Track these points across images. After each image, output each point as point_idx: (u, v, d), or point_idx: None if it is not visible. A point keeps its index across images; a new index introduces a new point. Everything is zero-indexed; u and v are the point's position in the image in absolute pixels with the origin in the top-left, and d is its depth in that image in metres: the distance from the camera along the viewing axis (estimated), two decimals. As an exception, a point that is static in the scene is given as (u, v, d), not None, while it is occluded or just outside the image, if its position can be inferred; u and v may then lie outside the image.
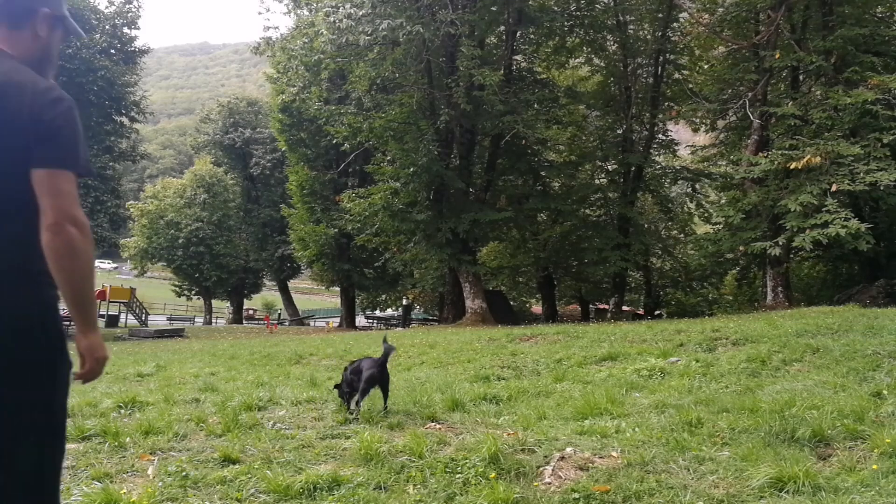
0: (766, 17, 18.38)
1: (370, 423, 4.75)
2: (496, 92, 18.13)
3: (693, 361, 7.26)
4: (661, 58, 23.27)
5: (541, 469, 3.61)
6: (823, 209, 14.76)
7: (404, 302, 37.16)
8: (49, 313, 1.87)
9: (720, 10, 20.10)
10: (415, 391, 6.20)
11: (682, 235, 27.91)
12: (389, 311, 43.34)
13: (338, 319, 37.26)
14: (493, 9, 19.56)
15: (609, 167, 25.91)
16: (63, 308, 1.92)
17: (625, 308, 26.76)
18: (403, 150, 19.66)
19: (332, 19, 17.73)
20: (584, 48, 23.66)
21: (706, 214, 24.82)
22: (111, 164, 24.17)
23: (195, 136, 45.60)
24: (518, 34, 21.74)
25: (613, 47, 24.33)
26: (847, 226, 14.22)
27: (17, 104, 1.81)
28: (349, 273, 31.50)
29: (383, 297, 38.54)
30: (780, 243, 15.90)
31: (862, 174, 14.49)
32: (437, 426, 4.70)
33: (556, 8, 21.37)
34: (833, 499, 3.01)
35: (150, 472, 3.68)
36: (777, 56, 17.11)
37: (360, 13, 17.21)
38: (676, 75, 23.67)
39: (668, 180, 25.24)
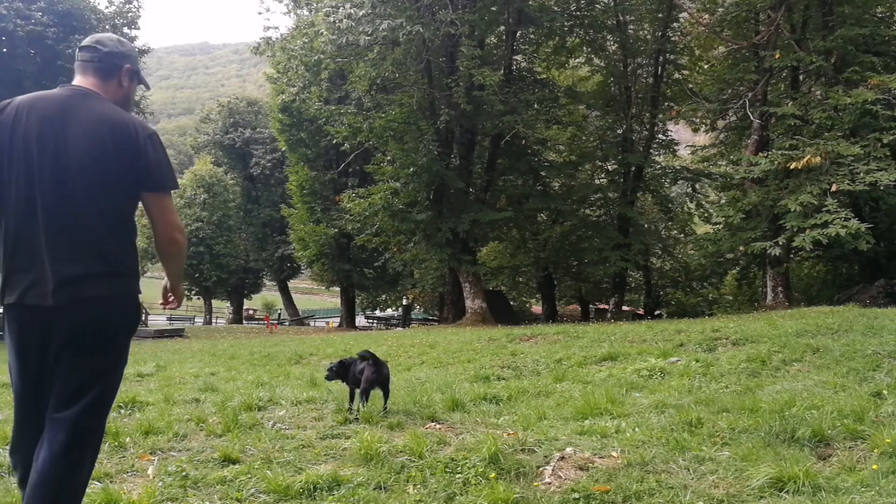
0: (766, 17, 18.36)
1: (370, 423, 4.75)
2: (496, 92, 18.12)
3: (693, 361, 7.26)
4: (661, 58, 23.26)
5: (541, 469, 3.61)
6: (823, 209, 14.75)
7: (404, 302, 37.13)
8: (136, 299, 2.52)
9: (720, 10, 20.09)
10: (415, 391, 6.21)
11: (682, 235, 27.90)
12: (389, 311, 43.31)
13: (338, 319, 37.25)
14: (493, 9, 19.55)
15: (609, 167, 25.89)
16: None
17: (625, 308, 26.74)
18: (403, 150, 19.66)
19: (332, 19, 17.73)
20: (584, 48, 23.64)
21: (706, 214, 24.82)
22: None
23: (195, 136, 45.56)
24: (518, 34, 21.73)
25: (613, 47, 24.31)
26: (847, 226, 14.21)
27: (127, 141, 2.37)
28: (349, 273, 31.50)
29: (383, 297, 38.52)
30: (780, 243, 15.89)
31: (862, 174, 14.47)
32: (437, 426, 4.70)
33: (556, 8, 21.34)
34: (833, 499, 3.01)
35: (150, 472, 3.68)
36: (777, 56, 17.10)
37: (360, 13, 17.21)
38: (676, 75, 23.66)
39: (668, 180, 25.22)
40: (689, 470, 3.50)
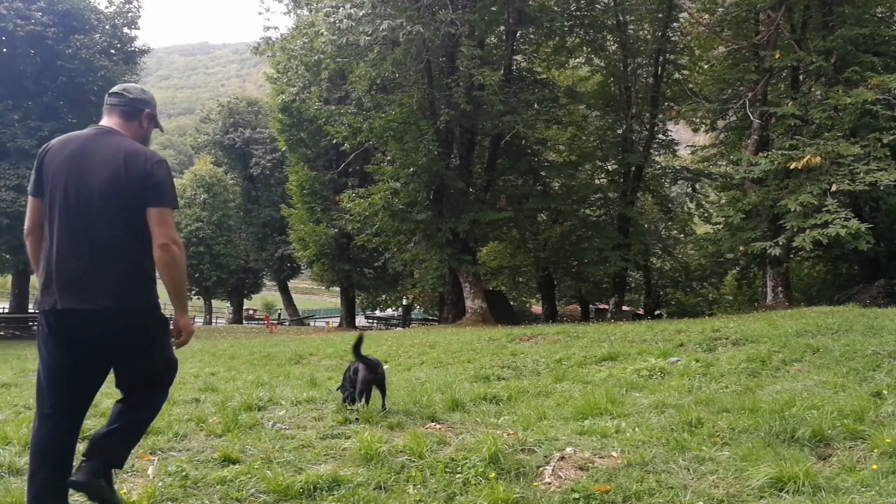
0: (766, 17, 18.36)
1: (370, 423, 4.75)
2: (496, 92, 18.12)
3: (693, 361, 7.26)
4: (661, 58, 23.26)
5: (541, 469, 3.61)
6: (823, 209, 14.75)
7: (404, 302, 37.14)
8: (157, 302, 2.92)
9: (720, 10, 20.10)
10: (415, 391, 6.21)
11: (682, 235, 27.89)
12: (389, 311, 43.31)
13: (338, 319, 37.26)
14: (493, 9, 19.55)
15: (609, 167, 25.90)
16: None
17: (625, 308, 26.75)
18: (403, 150, 19.66)
19: (332, 19, 17.72)
20: (584, 48, 23.64)
21: (706, 214, 24.81)
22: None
23: (195, 136, 45.55)
24: (518, 34, 21.73)
25: (613, 47, 24.31)
26: (847, 226, 14.21)
27: (138, 165, 2.79)
28: (349, 273, 31.50)
29: (383, 297, 38.51)
30: (780, 243, 15.89)
31: (862, 174, 14.47)
32: (437, 426, 4.70)
33: (556, 8, 21.35)
34: (833, 499, 3.01)
35: (150, 472, 3.68)
36: (777, 56, 17.10)
37: (360, 13, 17.20)
38: (676, 75, 23.66)
39: (668, 180, 25.24)
40: (689, 470, 3.50)
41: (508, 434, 4.29)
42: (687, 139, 28.21)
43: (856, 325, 8.58)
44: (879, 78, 15.09)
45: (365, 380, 4.97)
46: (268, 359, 11.33)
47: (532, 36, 22.39)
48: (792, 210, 15.00)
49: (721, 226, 20.56)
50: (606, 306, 27.53)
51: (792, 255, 18.72)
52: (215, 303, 46.52)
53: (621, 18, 23.07)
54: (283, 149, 32.54)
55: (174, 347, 3.01)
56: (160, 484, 3.42)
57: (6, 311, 28.83)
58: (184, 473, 3.59)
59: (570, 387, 6.48)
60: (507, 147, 21.81)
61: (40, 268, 2.83)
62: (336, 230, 27.59)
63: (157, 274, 2.84)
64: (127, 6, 27.36)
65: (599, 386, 6.31)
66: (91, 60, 24.36)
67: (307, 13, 23.08)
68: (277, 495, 3.30)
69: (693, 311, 21.97)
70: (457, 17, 17.28)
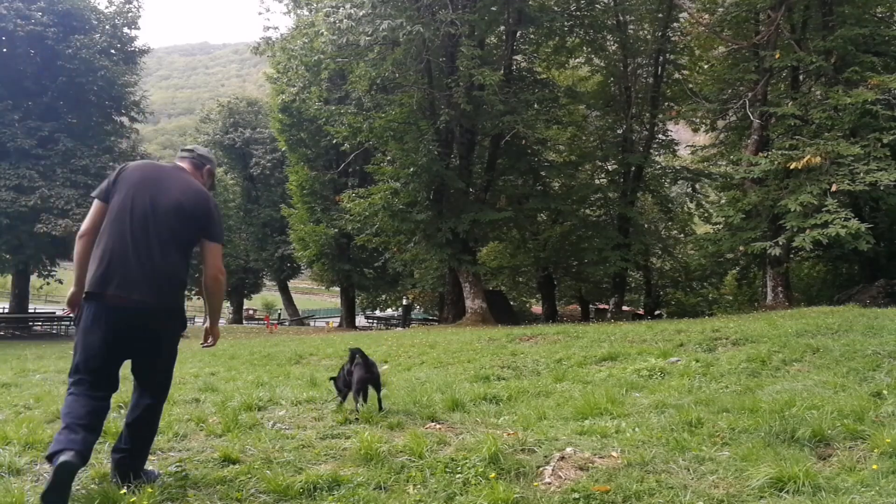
0: (766, 17, 18.36)
1: (370, 423, 4.75)
2: (496, 92, 18.12)
3: (693, 361, 7.26)
4: (661, 58, 23.27)
5: (541, 469, 3.61)
6: (823, 209, 14.75)
7: (404, 302, 37.13)
8: (184, 304, 3.62)
9: (720, 10, 20.10)
10: (415, 391, 6.21)
11: (682, 235, 27.90)
12: (389, 311, 43.29)
13: (338, 319, 37.25)
14: (493, 9, 19.54)
15: (609, 167, 25.90)
16: None
17: (625, 308, 26.76)
18: (403, 150, 19.65)
19: (332, 19, 17.71)
20: (584, 48, 23.65)
21: (706, 214, 24.81)
22: (111, 164, 24.14)
23: (195, 136, 45.49)
24: (518, 34, 21.73)
25: (613, 47, 24.32)
26: (847, 226, 14.21)
27: (202, 202, 3.49)
28: (349, 273, 31.49)
29: (383, 297, 38.50)
30: (780, 243, 15.89)
31: (862, 174, 14.48)
32: (437, 426, 4.70)
33: (556, 8, 21.35)
34: (833, 499, 3.01)
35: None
36: (777, 56, 17.10)
37: (361, 13, 17.19)
38: (676, 75, 23.67)
39: (668, 180, 25.24)
40: (689, 470, 3.50)
41: (508, 434, 4.29)
42: (687, 139, 28.23)
43: (856, 325, 8.57)
44: (879, 78, 15.09)
45: (361, 379, 4.97)
46: (268, 359, 11.33)
47: (532, 36, 22.39)
48: (792, 210, 15.00)
49: (721, 226, 20.57)
50: (606, 306, 27.54)
51: (792, 255, 18.72)
52: (215, 303, 46.42)
53: (621, 18, 23.07)
54: (283, 149, 32.55)
55: (203, 347, 3.81)
56: (160, 484, 3.41)
57: (6, 311, 28.82)
58: (184, 473, 3.60)
59: (570, 387, 6.47)
60: (507, 147, 21.81)
61: (96, 261, 3.27)
62: (336, 230, 27.58)
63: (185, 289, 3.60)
64: (127, 6, 27.35)
65: (599, 386, 6.30)
66: (91, 60, 24.36)
67: (307, 13, 23.07)
68: (277, 495, 3.30)
69: (693, 311, 21.97)
70: (457, 17, 17.28)
